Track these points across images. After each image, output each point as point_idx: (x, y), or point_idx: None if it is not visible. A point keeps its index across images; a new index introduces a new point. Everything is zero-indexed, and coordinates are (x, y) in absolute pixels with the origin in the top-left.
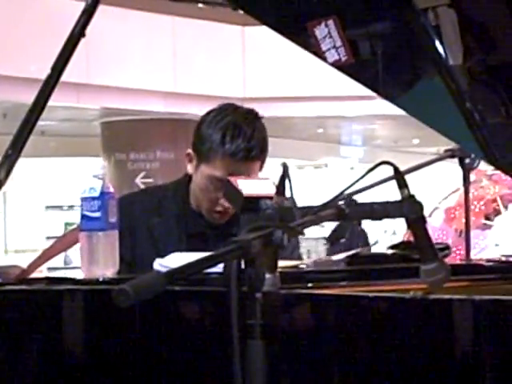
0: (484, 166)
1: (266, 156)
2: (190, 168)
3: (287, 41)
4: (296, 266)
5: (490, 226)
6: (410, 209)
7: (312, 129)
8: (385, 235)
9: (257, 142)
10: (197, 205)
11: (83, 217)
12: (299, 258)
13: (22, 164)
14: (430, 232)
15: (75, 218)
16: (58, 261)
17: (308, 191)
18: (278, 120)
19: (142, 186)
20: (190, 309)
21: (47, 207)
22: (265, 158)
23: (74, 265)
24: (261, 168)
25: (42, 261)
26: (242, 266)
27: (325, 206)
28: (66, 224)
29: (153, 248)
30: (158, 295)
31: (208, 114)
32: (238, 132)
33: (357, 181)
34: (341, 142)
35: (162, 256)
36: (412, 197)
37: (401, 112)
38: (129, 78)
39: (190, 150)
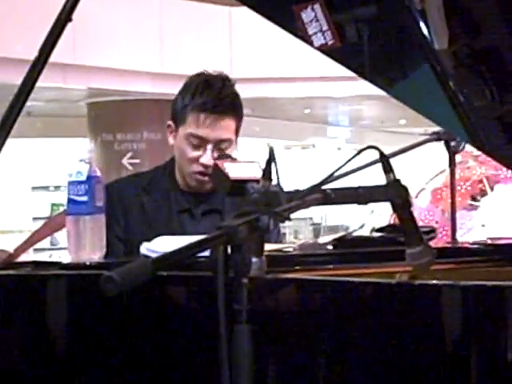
0: (470, 148)
1: (241, 120)
2: (170, 140)
3: None
4: (282, 250)
5: (476, 207)
6: (395, 193)
7: (299, 109)
8: (371, 216)
9: (227, 97)
10: (183, 179)
11: (70, 201)
12: (281, 241)
13: (8, 144)
14: (417, 213)
15: (61, 198)
16: (44, 242)
17: (295, 171)
18: (265, 100)
19: (129, 167)
20: (177, 293)
21: (33, 188)
22: (239, 121)
23: (60, 246)
24: (236, 133)
25: (29, 245)
26: (229, 251)
27: (310, 190)
28: (53, 205)
29: (145, 224)
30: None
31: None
32: (206, 85)
33: (343, 165)
34: (328, 123)
35: (154, 231)
36: (397, 181)
37: None
38: (116, 58)
39: (169, 122)
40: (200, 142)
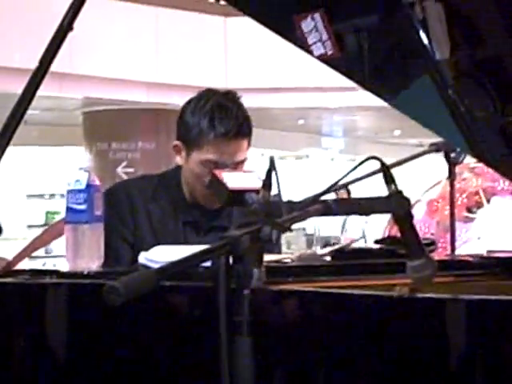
0: (467, 159)
1: (252, 134)
2: (179, 160)
3: (269, 32)
4: (281, 260)
5: (472, 219)
6: (397, 205)
7: (293, 120)
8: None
9: (243, 118)
10: (191, 194)
11: (69, 209)
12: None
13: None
14: None
15: (56, 206)
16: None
17: (289, 182)
18: (260, 111)
19: (124, 176)
20: (178, 304)
21: (28, 196)
22: (251, 136)
23: (54, 253)
24: (248, 146)
25: (28, 253)
26: (231, 262)
27: (312, 201)
28: (47, 213)
29: (152, 234)
30: None
31: (188, 103)
32: (225, 112)
33: (345, 176)
34: (322, 133)
35: (160, 243)
36: (399, 192)
37: (382, 103)
38: (111, 67)
39: (176, 142)
40: (217, 167)
